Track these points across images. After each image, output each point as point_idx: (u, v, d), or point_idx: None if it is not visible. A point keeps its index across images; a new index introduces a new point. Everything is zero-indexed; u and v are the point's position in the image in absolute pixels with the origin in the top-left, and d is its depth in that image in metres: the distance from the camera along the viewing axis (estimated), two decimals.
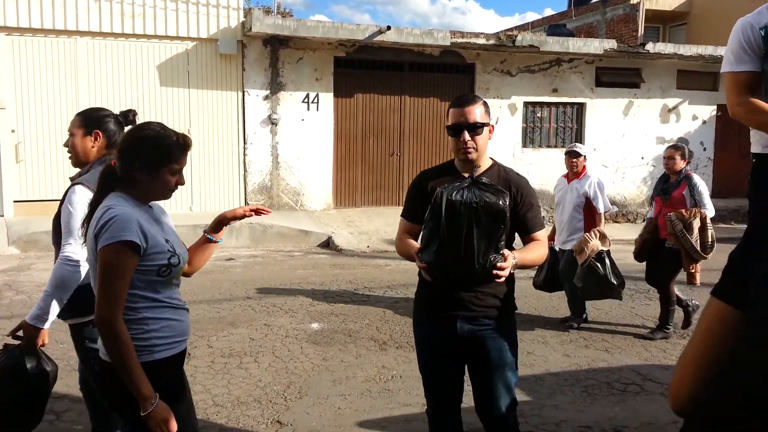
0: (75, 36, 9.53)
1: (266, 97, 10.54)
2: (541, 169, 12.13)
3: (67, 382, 4.00)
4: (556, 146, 12.34)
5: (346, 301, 6.07)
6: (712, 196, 12.91)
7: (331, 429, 3.48)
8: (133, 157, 1.98)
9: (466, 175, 2.39)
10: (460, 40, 10.86)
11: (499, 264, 2.22)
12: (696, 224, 4.85)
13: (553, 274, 5.36)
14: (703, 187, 5.09)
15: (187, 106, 10.07)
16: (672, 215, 4.92)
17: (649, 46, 11.89)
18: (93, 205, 2.04)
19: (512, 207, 2.37)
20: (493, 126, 2.53)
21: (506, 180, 2.46)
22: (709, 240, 4.87)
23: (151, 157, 1.98)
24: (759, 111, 2.62)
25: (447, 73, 11.63)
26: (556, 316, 5.74)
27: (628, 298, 6.37)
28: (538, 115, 12.24)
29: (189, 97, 10.12)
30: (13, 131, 9.36)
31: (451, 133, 2.42)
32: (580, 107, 12.40)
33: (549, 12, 49.17)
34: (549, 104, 12.23)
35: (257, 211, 2.30)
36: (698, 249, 4.82)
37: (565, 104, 12.31)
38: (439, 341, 2.46)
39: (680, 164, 5.13)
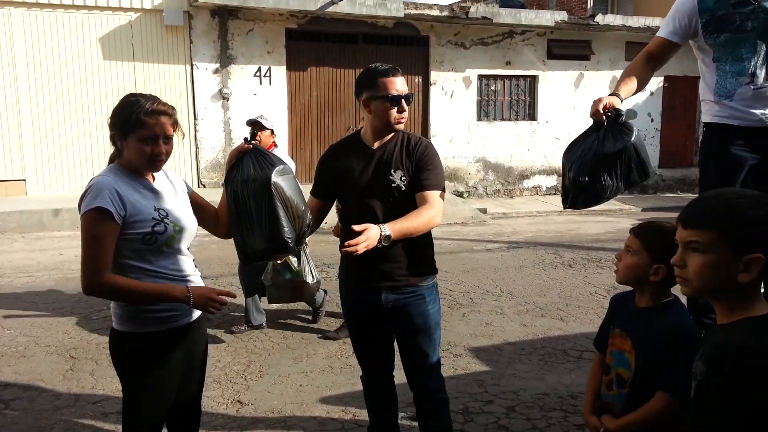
0: (8, 6, 8.97)
1: (216, 71, 10.22)
2: (497, 142, 12.24)
3: (16, 369, 3.85)
4: (510, 119, 12.45)
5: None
6: (660, 166, 13.53)
7: (292, 407, 3.47)
8: (111, 128, 2.03)
9: (374, 146, 2.42)
10: (413, 11, 10.75)
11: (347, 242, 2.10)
12: None
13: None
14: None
15: (133, 80, 9.66)
16: None
17: (599, 18, 12.05)
18: None
19: (414, 169, 2.38)
20: None
21: (412, 145, 2.44)
22: None
23: (119, 125, 1.99)
24: (623, 74, 2.80)
25: (401, 45, 11.51)
26: (512, 287, 5.84)
27: (581, 267, 6.54)
28: (492, 88, 12.29)
29: (134, 71, 9.71)
30: None
31: (389, 102, 2.36)
32: (533, 80, 12.51)
33: None
34: (503, 77, 12.29)
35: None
36: None
37: (518, 77, 12.39)
38: (366, 308, 2.50)
39: None
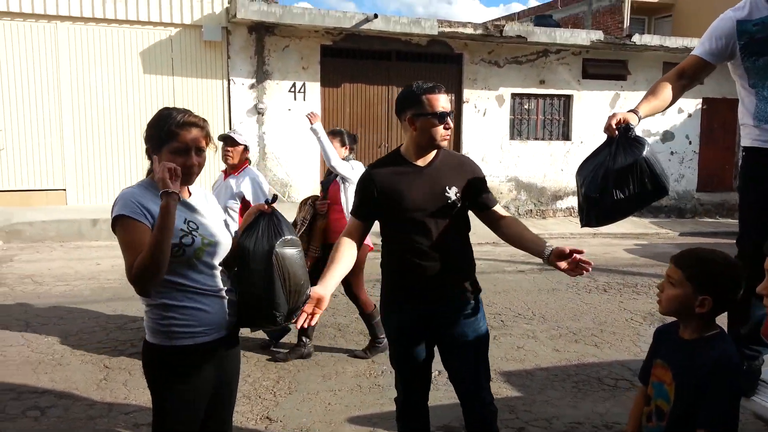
0: (55, 21, 9.29)
1: (252, 86, 10.39)
2: (530, 162, 12.14)
3: (52, 377, 3.92)
4: (543, 139, 12.35)
5: (335, 295, 5.96)
6: (698, 189, 13.20)
7: (321, 425, 3.45)
8: (145, 141, 2.06)
9: (418, 163, 2.44)
10: (447, 29, 10.78)
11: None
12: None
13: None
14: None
15: (171, 94, 9.89)
16: None
17: (636, 38, 11.91)
18: None
19: (469, 187, 2.46)
20: None
21: (458, 162, 2.52)
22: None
23: (152, 138, 2.03)
24: (649, 90, 2.71)
25: (435, 63, 11.55)
26: (545, 310, 5.75)
27: (617, 293, 6.41)
28: (526, 106, 12.22)
29: (173, 85, 9.94)
30: None
31: (437, 119, 2.38)
32: (567, 99, 12.40)
33: (534, 3, 49.11)
34: (536, 96, 12.21)
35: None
36: None
37: (552, 96, 12.30)
38: (417, 326, 2.49)
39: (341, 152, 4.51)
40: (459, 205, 2.43)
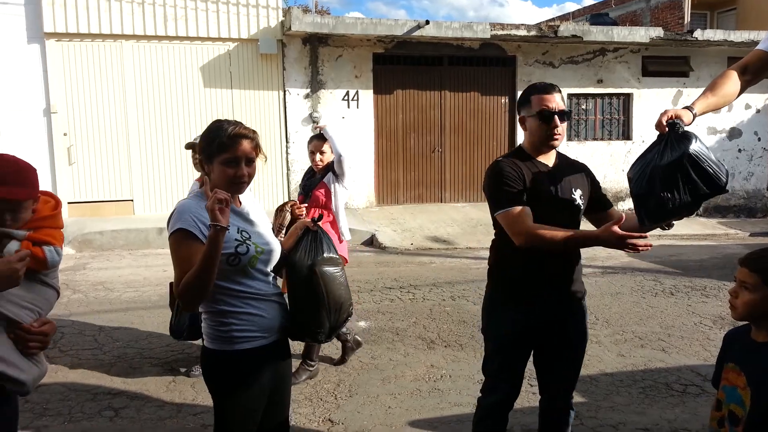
0: (121, 40, 9.75)
1: (307, 96, 10.59)
2: (588, 162, 11.48)
3: (125, 380, 4.09)
4: (602, 139, 12.05)
5: (392, 299, 6.04)
6: None
7: (382, 428, 3.46)
8: (199, 153, 2.12)
9: (542, 159, 2.47)
10: (500, 32, 10.69)
11: None
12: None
13: None
14: None
15: (230, 106, 10.20)
16: None
17: (698, 33, 11.48)
18: None
19: (591, 190, 2.54)
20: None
21: (574, 165, 2.58)
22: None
23: (205, 149, 2.08)
24: (708, 86, 2.52)
25: (487, 66, 11.47)
26: (608, 314, 5.59)
27: (684, 296, 6.16)
28: (583, 107, 11.96)
29: (232, 98, 10.25)
30: (65, 134, 9.64)
31: (541, 118, 2.39)
32: (627, 98, 12.06)
33: (589, 2, 47.97)
34: (594, 95, 11.94)
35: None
36: None
37: (611, 95, 11.99)
38: (525, 329, 2.49)
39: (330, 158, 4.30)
40: (582, 207, 2.48)
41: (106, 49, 9.71)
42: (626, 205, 12.04)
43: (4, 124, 9.36)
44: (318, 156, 4.29)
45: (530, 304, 2.46)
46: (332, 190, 4.24)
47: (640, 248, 2.13)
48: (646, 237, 2.15)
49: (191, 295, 1.93)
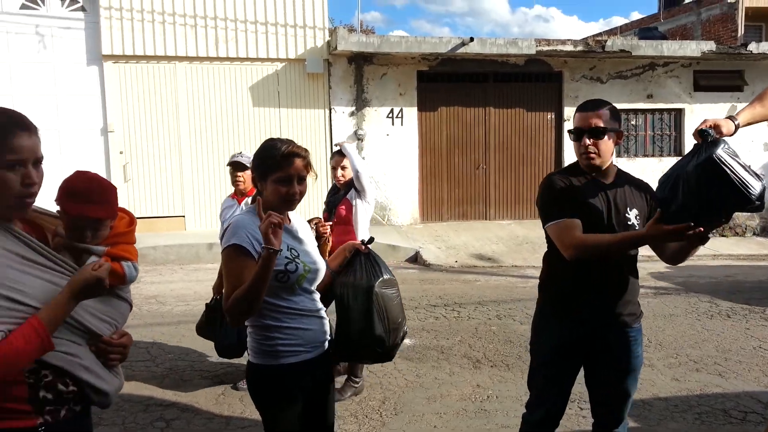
0: (174, 61, 10.12)
1: (352, 114, 10.73)
2: None
3: (176, 392, 4.19)
4: (653, 155, 11.77)
5: (437, 317, 6.01)
6: None
7: None
8: (252, 171, 2.19)
9: (598, 176, 2.44)
10: (546, 48, 10.61)
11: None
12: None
13: None
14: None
15: (278, 124, 10.42)
16: None
17: (752, 47, 11.13)
18: None
19: (647, 211, 2.46)
20: (622, 132, 2.50)
21: (634, 183, 2.52)
22: None
23: (259, 168, 2.13)
24: (757, 96, 2.44)
25: (532, 82, 11.39)
26: (662, 337, 5.41)
27: (742, 318, 5.92)
28: (633, 122, 11.71)
29: (279, 116, 10.47)
30: (121, 153, 10.04)
31: (572, 137, 2.43)
32: (678, 113, 11.76)
33: (636, 15, 47.18)
34: (644, 111, 11.69)
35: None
36: None
37: (661, 110, 11.72)
38: (572, 345, 2.47)
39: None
40: (637, 227, 2.40)
41: (160, 70, 10.09)
42: None
43: (64, 143, 9.82)
44: (339, 171, 4.35)
45: (578, 313, 2.44)
46: (353, 205, 4.29)
47: (690, 233, 2.03)
48: (693, 227, 2.03)
49: (238, 312, 1.98)
